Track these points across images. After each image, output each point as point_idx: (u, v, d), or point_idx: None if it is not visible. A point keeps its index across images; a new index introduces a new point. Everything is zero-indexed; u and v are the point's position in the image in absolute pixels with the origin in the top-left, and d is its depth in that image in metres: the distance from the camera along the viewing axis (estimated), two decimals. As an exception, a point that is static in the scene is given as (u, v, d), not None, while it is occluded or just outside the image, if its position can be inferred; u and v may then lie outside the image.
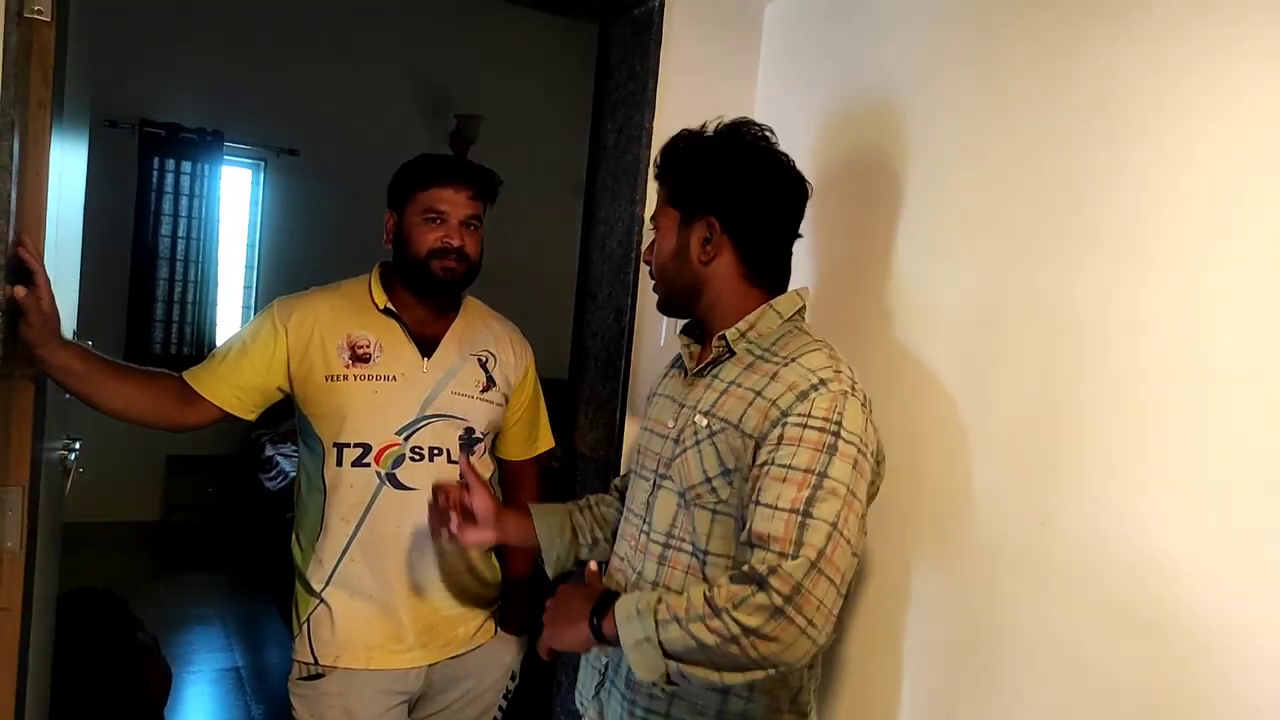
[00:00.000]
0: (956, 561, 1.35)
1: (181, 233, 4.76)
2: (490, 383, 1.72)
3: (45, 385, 1.54)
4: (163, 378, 1.59)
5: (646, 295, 1.88)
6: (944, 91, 1.45)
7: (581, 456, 2.01)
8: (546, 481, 1.90)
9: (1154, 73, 1.13)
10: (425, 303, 1.68)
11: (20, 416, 1.45)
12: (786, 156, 1.30)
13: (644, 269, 1.83)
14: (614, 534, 1.47)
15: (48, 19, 1.37)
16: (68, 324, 1.52)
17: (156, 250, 4.71)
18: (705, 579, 1.23)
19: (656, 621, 1.11)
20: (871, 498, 1.22)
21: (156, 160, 4.66)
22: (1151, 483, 1.10)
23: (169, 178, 4.70)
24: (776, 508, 1.11)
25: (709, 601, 1.08)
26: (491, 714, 1.80)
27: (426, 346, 1.67)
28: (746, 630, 1.05)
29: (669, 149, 1.33)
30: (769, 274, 1.31)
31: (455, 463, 1.66)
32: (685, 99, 1.82)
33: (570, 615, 1.24)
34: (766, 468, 1.14)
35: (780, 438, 1.14)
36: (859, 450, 1.14)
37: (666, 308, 1.38)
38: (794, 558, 1.07)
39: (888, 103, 1.57)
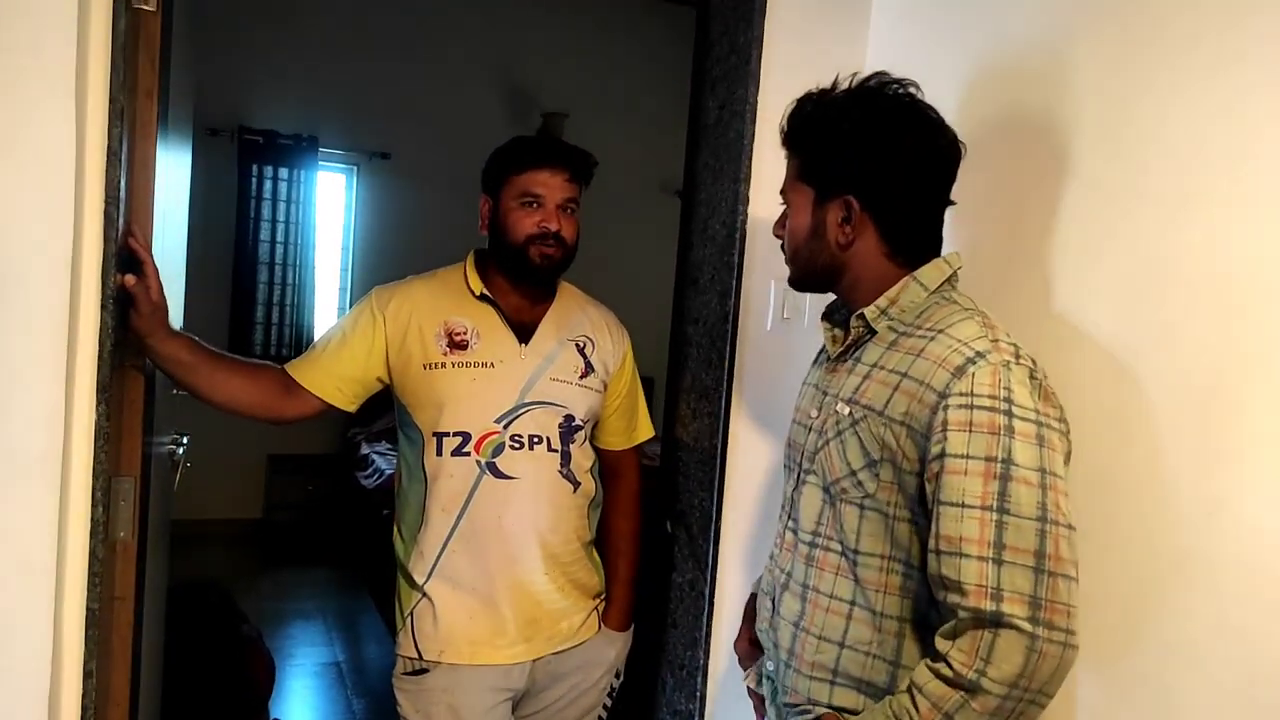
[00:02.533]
0: (1111, 556, 1.22)
1: (280, 238, 4.87)
2: (589, 369, 1.67)
3: (155, 377, 1.55)
4: (266, 369, 1.59)
5: (752, 278, 1.80)
6: (1091, 45, 1.33)
7: (685, 447, 1.93)
8: (645, 477, 1.84)
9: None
10: (521, 289, 1.64)
11: (131, 407, 1.46)
12: (934, 113, 1.16)
13: (750, 254, 1.77)
14: None
15: (153, 9, 1.38)
16: (174, 323, 1.53)
17: (256, 255, 4.84)
18: (857, 581, 1.14)
19: None
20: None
21: (255, 167, 4.79)
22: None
23: (267, 184, 4.82)
24: (965, 505, 0.99)
25: (954, 681, 0.98)
26: (596, 713, 1.74)
27: (524, 333, 1.63)
28: (1013, 681, 0.95)
29: (797, 116, 1.20)
30: (917, 249, 1.17)
31: (555, 451, 1.62)
32: (791, 70, 1.72)
33: None
34: (941, 460, 1.02)
35: (945, 423, 1.02)
36: (1038, 424, 1.01)
37: (801, 285, 1.28)
38: (1000, 563, 0.97)
39: (1024, 60, 1.44)
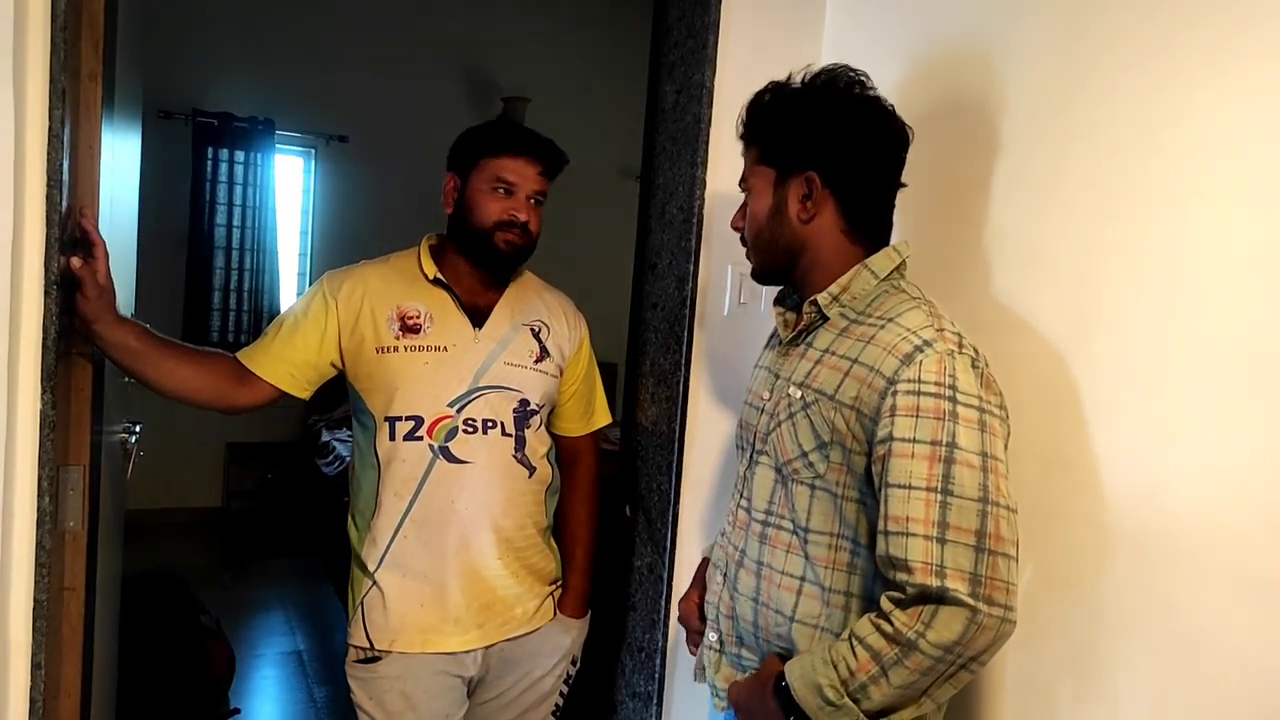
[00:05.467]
0: (1059, 536, 1.25)
1: (236, 222, 4.78)
2: (544, 353, 1.67)
3: (104, 365, 1.52)
4: (217, 357, 1.57)
5: (709, 263, 1.81)
6: (1037, 27, 1.35)
7: (644, 432, 1.94)
8: (603, 463, 1.84)
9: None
10: (479, 273, 1.64)
11: (79, 395, 1.44)
12: (885, 101, 1.21)
13: (707, 239, 1.77)
14: None
15: (95, -11, 1.35)
16: (125, 309, 1.50)
17: (213, 240, 4.75)
18: (807, 558, 1.18)
19: (852, 696, 1.04)
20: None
21: (210, 150, 4.69)
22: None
23: (223, 167, 4.73)
24: (911, 487, 1.04)
25: (893, 637, 1.02)
26: (553, 700, 1.74)
27: (478, 317, 1.63)
28: (949, 647, 1.00)
29: (756, 106, 1.24)
30: (873, 228, 1.22)
31: (510, 435, 1.61)
32: (748, 54, 1.73)
33: None
34: (889, 444, 1.06)
35: (894, 408, 1.06)
36: (980, 410, 1.06)
37: (763, 275, 1.30)
38: (943, 542, 1.01)
39: (972, 42, 1.46)
